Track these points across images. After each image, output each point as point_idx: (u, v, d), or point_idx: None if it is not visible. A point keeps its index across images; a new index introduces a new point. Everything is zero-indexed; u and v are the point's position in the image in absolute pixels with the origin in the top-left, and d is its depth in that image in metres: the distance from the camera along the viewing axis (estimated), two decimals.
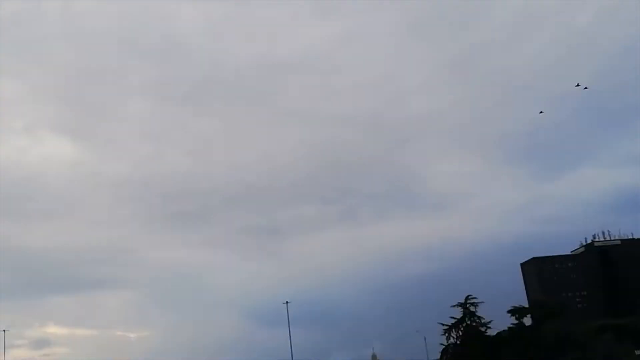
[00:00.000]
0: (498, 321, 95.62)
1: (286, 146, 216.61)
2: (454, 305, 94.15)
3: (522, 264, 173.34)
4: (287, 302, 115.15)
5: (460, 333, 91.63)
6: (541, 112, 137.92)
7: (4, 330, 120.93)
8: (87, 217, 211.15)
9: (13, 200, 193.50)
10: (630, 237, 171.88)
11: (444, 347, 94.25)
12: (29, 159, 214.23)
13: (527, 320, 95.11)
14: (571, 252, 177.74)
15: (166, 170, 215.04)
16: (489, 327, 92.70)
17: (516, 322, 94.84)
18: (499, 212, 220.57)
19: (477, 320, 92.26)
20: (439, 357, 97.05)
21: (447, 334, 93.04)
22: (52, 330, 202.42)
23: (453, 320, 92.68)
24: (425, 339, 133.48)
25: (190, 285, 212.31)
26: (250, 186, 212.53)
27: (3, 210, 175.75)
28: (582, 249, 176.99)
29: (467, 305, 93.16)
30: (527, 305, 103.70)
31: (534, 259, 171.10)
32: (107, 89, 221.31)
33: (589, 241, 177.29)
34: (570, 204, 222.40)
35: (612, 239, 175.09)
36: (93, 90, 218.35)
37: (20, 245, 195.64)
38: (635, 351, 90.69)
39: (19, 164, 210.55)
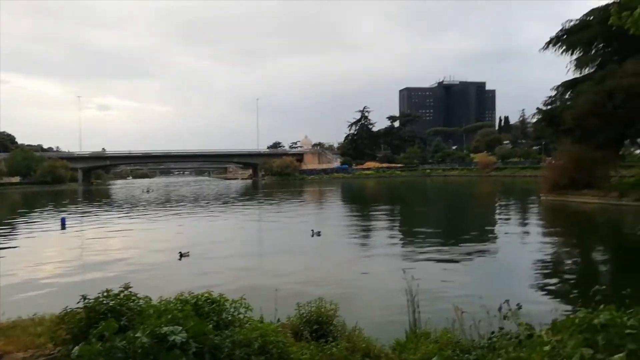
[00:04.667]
0: (380, 123, 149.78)
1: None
2: (357, 111, 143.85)
3: (400, 90, 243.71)
4: (257, 99, 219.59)
5: (357, 127, 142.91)
6: None
7: (79, 97, 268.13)
8: (137, 32, 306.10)
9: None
10: (465, 80, 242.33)
11: (346, 134, 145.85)
12: None
13: (396, 124, 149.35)
14: (429, 86, 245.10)
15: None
16: (374, 126, 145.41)
17: (390, 124, 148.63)
18: (392, 57, 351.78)
19: (368, 121, 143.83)
20: (343, 140, 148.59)
21: (350, 128, 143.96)
22: (111, 100, 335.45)
23: (354, 120, 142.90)
24: (337, 129, 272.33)
25: (196, 81, 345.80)
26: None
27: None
28: (436, 85, 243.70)
29: (364, 112, 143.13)
30: (398, 115, 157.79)
31: (407, 88, 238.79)
32: None
33: (440, 81, 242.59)
34: (434, 57, 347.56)
35: (453, 81, 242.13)
36: None
37: (91, 47, 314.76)
38: (453, 147, 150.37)
39: None
